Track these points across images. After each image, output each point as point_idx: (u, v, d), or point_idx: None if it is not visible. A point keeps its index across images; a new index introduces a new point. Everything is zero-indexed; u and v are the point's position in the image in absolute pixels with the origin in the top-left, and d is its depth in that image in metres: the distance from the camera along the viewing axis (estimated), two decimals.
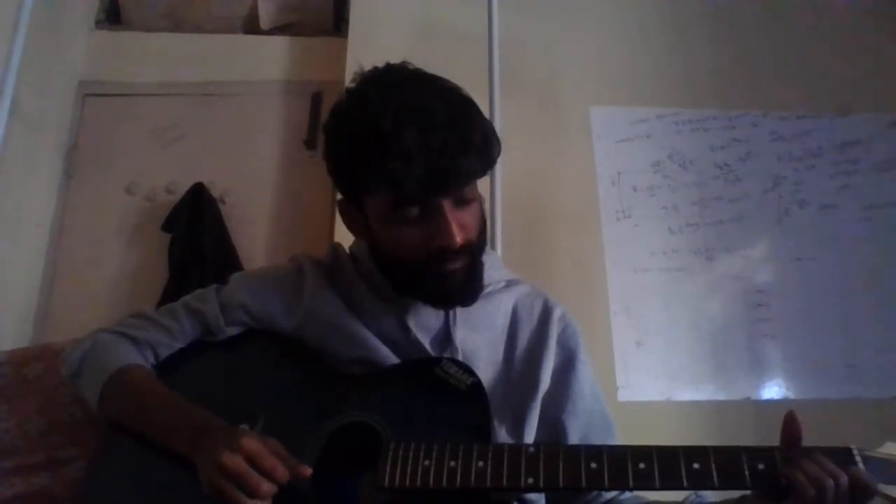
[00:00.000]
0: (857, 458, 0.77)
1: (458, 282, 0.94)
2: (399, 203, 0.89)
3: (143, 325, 1.08)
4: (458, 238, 0.89)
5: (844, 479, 0.74)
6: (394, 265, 0.97)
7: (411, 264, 0.94)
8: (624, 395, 2.02)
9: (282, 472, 0.81)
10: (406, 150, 0.85)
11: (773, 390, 2.08)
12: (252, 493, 0.79)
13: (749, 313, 2.15)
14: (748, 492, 0.83)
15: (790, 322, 2.14)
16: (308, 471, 0.82)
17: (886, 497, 0.75)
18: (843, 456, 0.77)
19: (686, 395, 2.05)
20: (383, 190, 0.89)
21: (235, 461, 0.80)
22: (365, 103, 0.91)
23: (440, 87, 0.93)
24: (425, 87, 0.92)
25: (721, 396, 2.05)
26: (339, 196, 1.02)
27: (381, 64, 0.97)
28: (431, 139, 0.85)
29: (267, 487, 0.79)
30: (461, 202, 0.91)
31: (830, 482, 0.74)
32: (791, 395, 2.07)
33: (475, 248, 0.95)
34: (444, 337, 1.01)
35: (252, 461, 0.80)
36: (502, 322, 1.06)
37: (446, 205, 0.89)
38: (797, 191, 2.28)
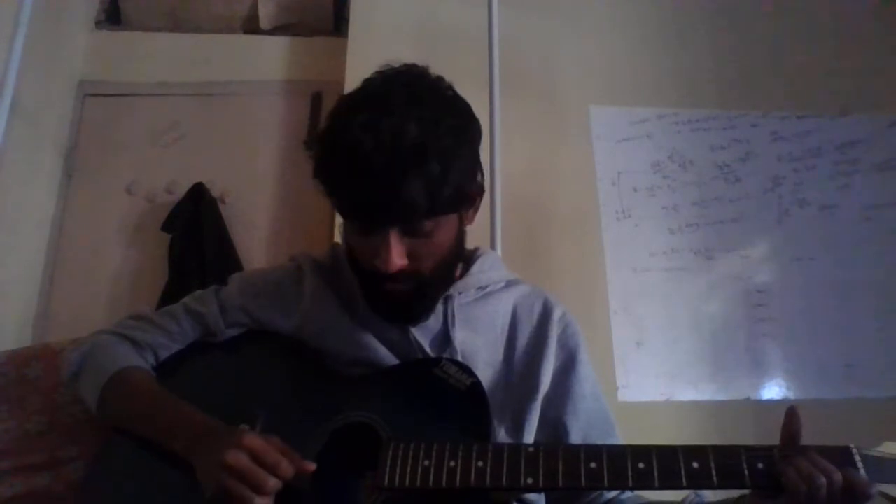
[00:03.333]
0: (856, 457, 0.77)
1: (397, 303, 0.95)
2: (343, 213, 0.91)
3: (142, 326, 1.08)
4: (395, 266, 0.87)
5: (838, 478, 0.74)
6: (354, 268, 0.99)
7: (358, 269, 0.96)
8: (624, 395, 2.02)
9: (286, 467, 0.81)
10: (352, 170, 0.85)
11: (773, 390, 2.08)
12: (259, 490, 0.79)
13: (749, 313, 2.15)
14: (747, 491, 0.83)
15: (790, 322, 2.14)
16: (312, 465, 0.83)
17: (886, 497, 0.75)
18: (841, 455, 0.77)
19: (686, 395, 2.04)
20: (334, 200, 0.91)
21: (240, 459, 0.80)
22: (340, 111, 0.91)
23: (426, 108, 0.88)
24: (406, 106, 0.87)
25: (721, 396, 2.05)
26: None
27: (383, 64, 0.96)
28: (377, 164, 0.83)
29: (273, 483, 0.80)
30: (413, 233, 0.89)
31: (822, 480, 0.74)
32: (791, 395, 2.07)
33: (425, 279, 0.93)
34: (444, 338, 1.00)
35: (256, 458, 0.80)
36: (502, 322, 1.06)
37: (392, 231, 0.87)
38: (797, 191, 2.28)
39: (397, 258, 0.87)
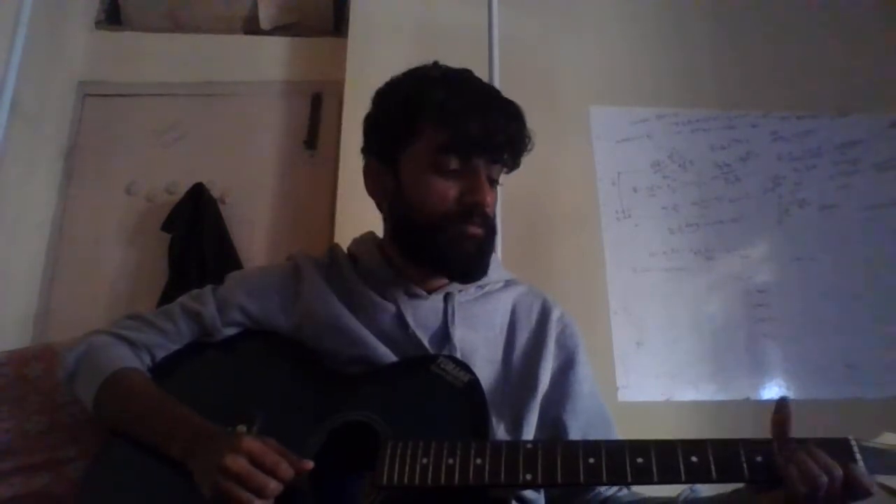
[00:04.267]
0: (855, 449, 0.77)
1: (474, 249, 0.97)
2: (446, 146, 0.95)
3: (139, 326, 1.08)
4: (489, 199, 0.96)
5: (838, 473, 0.74)
6: (415, 225, 0.98)
7: (436, 220, 0.96)
8: (624, 395, 2.01)
9: (285, 469, 0.81)
10: (471, 98, 0.97)
11: (773, 390, 2.08)
12: (259, 492, 0.79)
13: (749, 313, 2.15)
14: (742, 485, 0.83)
15: (790, 322, 2.14)
16: (310, 464, 0.83)
17: (885, 487, 0.75)
18: (840, 447, 0.77)
19: (686, 395, 2.04)
20: (437, 130, 0.95)
21: (239, 462, 0.80)
22: (429, 69, 1.02)
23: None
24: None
25: (721, 396, 2.05)
26: (366, 163, 1.07)
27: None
28: (492, 102, 0.99)
29: (274, 486, 0.80)
30: (490, 179, 0.99)
31: (823, 477, 0.73)
32: (791, 395, 2.05)
33: (491, 226, 0.99)
34: (443, 335, 1.01)
35: (255, 461, 0.80)
36: (501, 321, 1.06)
37: (482, 168, 0.96)
38: (797, 191, 2.27)
39: (489, 193, 0.97)
